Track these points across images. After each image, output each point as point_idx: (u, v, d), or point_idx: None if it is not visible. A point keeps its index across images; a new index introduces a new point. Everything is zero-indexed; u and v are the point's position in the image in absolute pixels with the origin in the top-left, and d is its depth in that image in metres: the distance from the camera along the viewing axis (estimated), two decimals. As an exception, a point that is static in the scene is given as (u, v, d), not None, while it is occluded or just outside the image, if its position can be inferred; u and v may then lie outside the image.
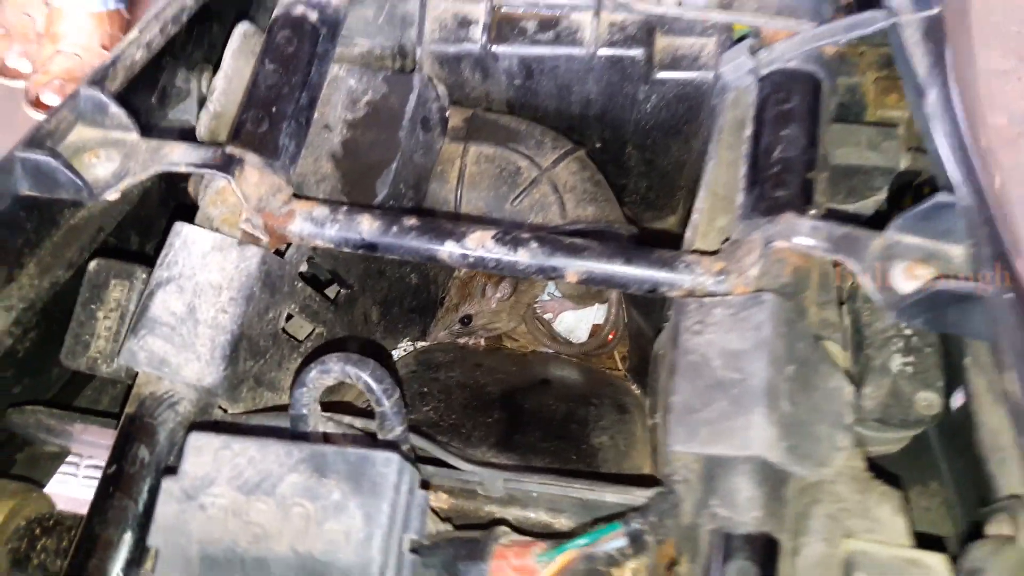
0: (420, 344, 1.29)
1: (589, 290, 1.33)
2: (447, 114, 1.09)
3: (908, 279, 0.73)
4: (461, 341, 1.31)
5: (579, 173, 1.12)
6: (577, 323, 1.45)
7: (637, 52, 1.05)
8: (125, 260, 0.87)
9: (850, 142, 1.00)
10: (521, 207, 1.09)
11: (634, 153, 1.20)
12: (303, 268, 0.92)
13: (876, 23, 0.86)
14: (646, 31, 1.05)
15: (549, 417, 1.04)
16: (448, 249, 0.82)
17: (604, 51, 1.05)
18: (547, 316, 1.43)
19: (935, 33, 0.87)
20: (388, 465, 0.64)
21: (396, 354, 1.26)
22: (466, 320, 1.26)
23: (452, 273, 1.30)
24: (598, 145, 1.20)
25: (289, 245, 0.88)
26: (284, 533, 0.63)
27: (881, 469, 0.76)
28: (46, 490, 0.92)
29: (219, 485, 0.64)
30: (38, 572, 0.76)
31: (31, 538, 0.78)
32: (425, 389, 1.05)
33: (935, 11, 0.88)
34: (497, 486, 0.78)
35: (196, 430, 0.68)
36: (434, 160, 1.09)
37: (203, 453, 0.65)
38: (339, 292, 1.04)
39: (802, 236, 0.77)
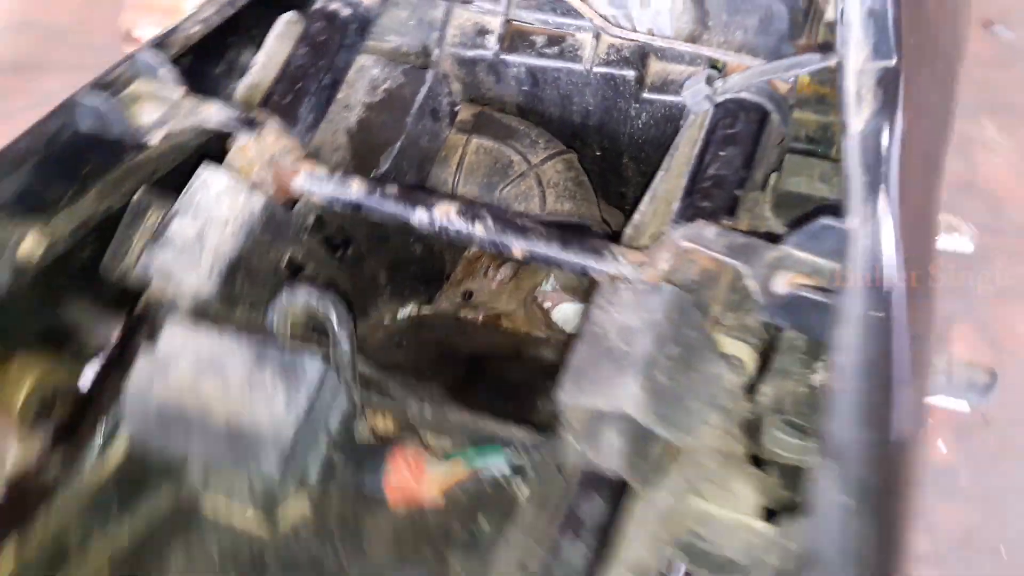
0: (424, 310, 1.45)
1: (583, 283, 1.46)
2: (457, 108, 1.25)
3: (784, 286, 0.85)
4: (462, 314, 1.45)
5: (564, 173, 1.26)
6: (575, 315, 1.57)
7: (628, 73, 1.18)
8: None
9: (804, 173, 1.10)
10: (508, 195, 1.24)
11: (630, 164, 1.33)
12: (310, 222, 1.09)
13: (813, 63, 0.97)
14: (640, 56, 1.18)
15: (505, 379, 1.18)
16: (419, 216, 0.98)
17: (599, 69, 1.19)
18: (546, 305, 1.57)
19: (889, 81, 0.97)
20: (313, 368, 0.80)
21: (402, 314, 1.42)
22: (467, 295, 1.41)
23: (462, 251, 1.45)
24: (598, 153, 1.33)
25: (297, 201, 1.06)
26: (223, 407, 0.79)
27: (760, 462, 0.87)
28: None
29: (182, 363, 0.82)
30: (52, 425, 0.95)
31: (51, 402, 0.97)
32: (405, 341, 1.20)
33: (892, 62, 0.98)
34: (424, 413, 0.93)
35: (174, 320, 0.85)
36: (439, 146, 1.25)
37: (175, 337, 0.83)
38: (346, 249, 1.20)
39: (707, 240, 0.89)
